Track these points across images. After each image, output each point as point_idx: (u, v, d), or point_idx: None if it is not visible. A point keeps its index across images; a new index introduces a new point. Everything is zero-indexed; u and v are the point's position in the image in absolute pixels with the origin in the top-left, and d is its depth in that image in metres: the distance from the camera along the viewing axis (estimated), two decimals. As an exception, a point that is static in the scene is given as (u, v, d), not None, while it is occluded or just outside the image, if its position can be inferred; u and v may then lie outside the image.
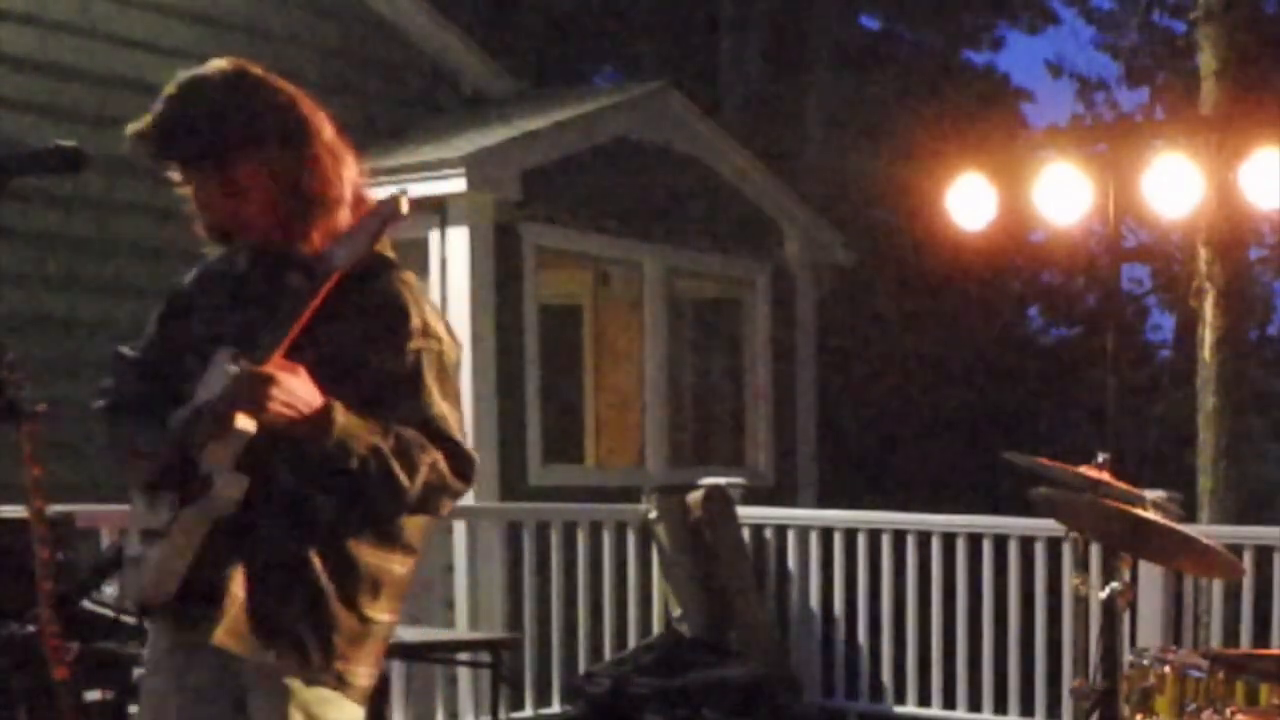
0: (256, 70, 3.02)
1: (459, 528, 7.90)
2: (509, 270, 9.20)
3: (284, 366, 2.85)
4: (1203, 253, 9.68)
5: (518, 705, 7.72)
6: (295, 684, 2.98)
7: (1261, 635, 7.22)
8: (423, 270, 8.98)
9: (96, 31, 8.89)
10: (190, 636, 3.02)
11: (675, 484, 8.84)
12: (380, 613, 3.09)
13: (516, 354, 9.23)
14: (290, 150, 2.97)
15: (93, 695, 5.00)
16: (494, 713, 6.50)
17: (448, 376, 3.06)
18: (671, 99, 10.40)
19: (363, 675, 3.07)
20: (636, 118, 10.17)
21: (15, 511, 4.96)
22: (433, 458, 2.98)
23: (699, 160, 10.53)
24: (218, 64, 3.01)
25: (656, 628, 8.42)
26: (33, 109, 8.51)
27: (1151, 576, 7.17)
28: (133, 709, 5.14)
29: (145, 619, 3.19)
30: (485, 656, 6.66)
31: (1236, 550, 6.40)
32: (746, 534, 8.57)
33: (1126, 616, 5.65)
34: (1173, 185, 7.16)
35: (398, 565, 3.12)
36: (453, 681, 7.61)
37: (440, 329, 3.07)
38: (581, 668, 8.02)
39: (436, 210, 8.98)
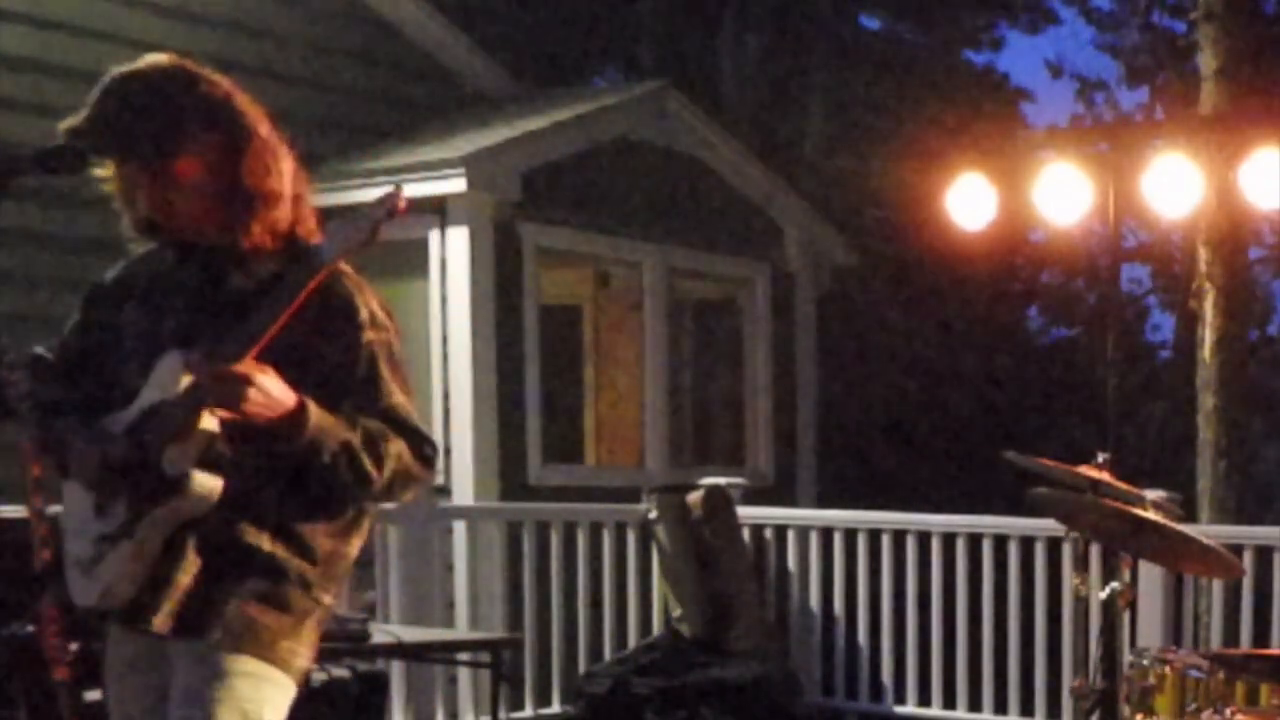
0: (191, 65, 3.01)
1: (459, 528, 7.90)
2: (509, 270, 9.20)
3: (255, 365, 2.84)
4: (1203, 253, 9.68)
5: (518, 705, 7.72)
6: (219, 655, 2.96)
7: (1261, 635, 7.22)
8: (423, 270, 8.99)
9: (96, 31, 8.89)
10: (139, 635, 3.03)
11: (675, 484, 8.83)
12: (329, 596, 3.11)
13: (516, 354, 9.23)
14: (227, 144, 2.96)
15: (93, 695, 5.00)
16: (494, 713, 6.49)
17: (398, 364, 3.08)
18: (671, 99, 10.39)
19: (303, 657, 3.07)
20: (636, 118, 10.17)
21: (15, 511, 4.96)
22: (398, 448, 3.00)
23: (699, 160, 10.53)
24: (153, 58, 3.00)
25: (656, 628, 8.42)
26: (33, 109, 8.51)
27: (1151, 576, 7.16)
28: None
29: (100, 623, 3.15)
30: (485, 656, 6.65)
31: (1236, 550, 6.40)
32: (746, 534, 8.57)
33: (1126, 616, 5.65)
34: (1173, 185, 7.16)
35: (351, 549, 3.14)
36: (453, 681, 7.61)
37: (384, 316, 3.07)
38: (581, 668, 8.02)
39: (436, 210, 8.98)
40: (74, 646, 4.54)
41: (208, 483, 2.91)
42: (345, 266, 3.06)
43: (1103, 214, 7.44)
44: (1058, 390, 17.93)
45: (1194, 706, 4.35)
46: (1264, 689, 4.32)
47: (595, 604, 8.11)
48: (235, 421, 2.87)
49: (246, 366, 2.82)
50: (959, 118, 16.07)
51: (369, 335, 3.01)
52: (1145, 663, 4.53)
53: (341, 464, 2.92)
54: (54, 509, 4.69)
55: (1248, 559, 7.04)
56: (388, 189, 2.91)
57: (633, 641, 8.25)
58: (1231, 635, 7.39)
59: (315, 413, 2.90)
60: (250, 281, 3.00)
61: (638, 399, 10.33)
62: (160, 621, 2.95)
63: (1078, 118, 20.05)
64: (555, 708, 7.99)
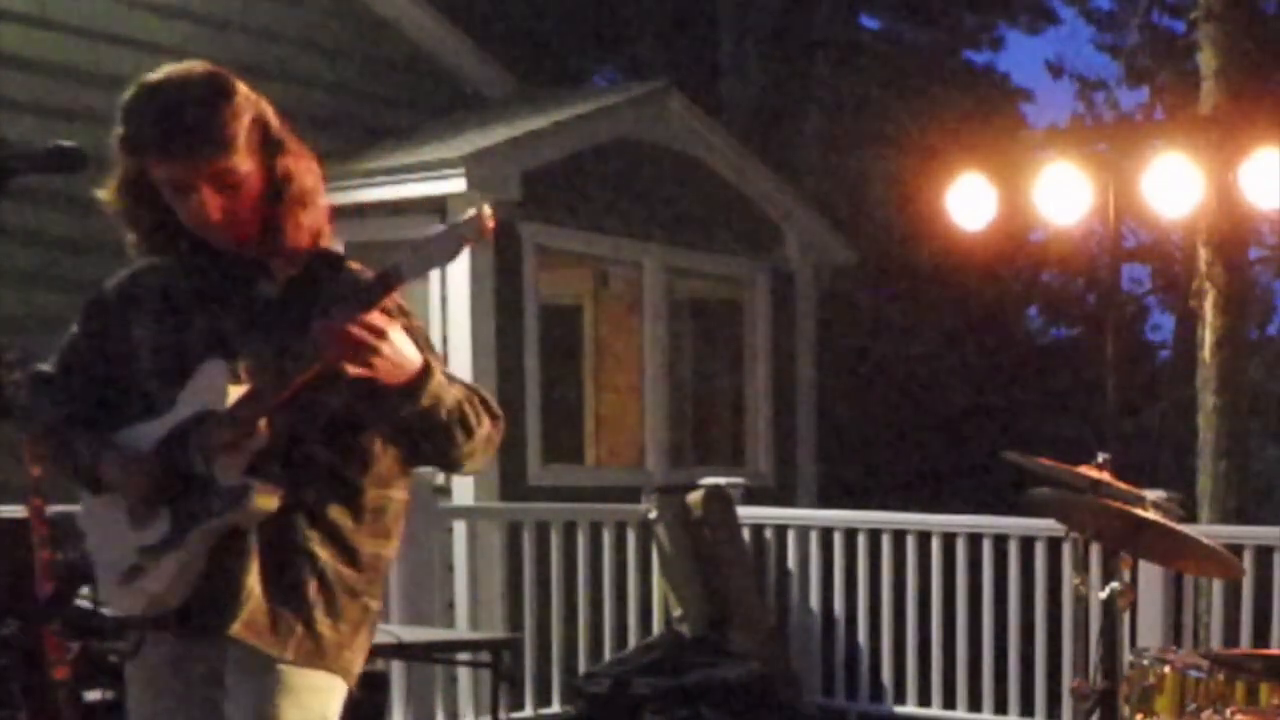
0: (225, 71, 3.03)
1: (459, 528, 7.90)
2: (509, 270, 9.20)
3: (387, 320, 2.81)
4: (1203, 253, 9.68)
5: (518, 705, 7.72)
6: (287, 670, 2.98)
7: (1261, 635, 7.22)
8: (422, 270, 8.98)
9: (96, 31, 8.90)
10: (197, 640, 3.01)
11: (675, 484, 8.84)
12: (375, 600, 3.13)
13: (516, 354, 9.23)
14: (270, 144, 2.98)
15: (93, 695, 5.00)
16: (494, 713, 6.49)
17: (432, 348, 3.06)
18: (671, 99, 10.39)
19: (358, 663, 3.11)
20: (636, 118, 10.17)
21: (15, 511, 4.96)
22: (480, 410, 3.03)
23: (699, 160, 10.53)
24: (189, 64, 3.00)
25: (656, 628, 8.42)
26: (33, 109, 8.51)
27: (1151, 576, 7.16)
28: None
29: (136, 631, 3.11)
30: (485, 656, 6.65)
31: (1236, 550, 6.39)
32: (746, 534, 8.57)
33: (1126, 616, 5.66)
34: (1173, 185, 7.17)
35: (389, 551, 3.15)
36: (453, 681, 7.61)
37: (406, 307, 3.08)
38: (581, 668, 8.02)
39: (436, 210, 8.97)
40: (74, 646, 4.55)
41: (268, 495, 2.91)
42: (354, 262, 3.07)
43: (1103, 214, 7.45)
44: (1058, 390, 17.92)
45: (1194, 706, 4.35)
46: (1264, 689, 4.31)
47: (595, 604, 8.11)
48: (366, 376, 2.82)
49: (381, 322, 2.78)
50: (959, 118, 16.07)
51: (400, 322, 2.97)
52: (1145, 663, 4.52)
53: (455, 422, 2.93)
54: (54, 509, 4.70)
55: (1248, 559, 7.04)
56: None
57: (633, 641, 8.25)
58: (1231, 635, 7.39)
59: (437, 373, 2.89)
60: (276, 288, 3.01)
61: (638, 399, 10.32)
62: (239, 629, 2.94)
63: (1078, 118, 20.05)
64: (555, 708, 7.99)
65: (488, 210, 2.79)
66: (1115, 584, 4.86)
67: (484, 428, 2.99)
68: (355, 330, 2.76)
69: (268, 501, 2.91)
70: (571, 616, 8.03)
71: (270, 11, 9.71)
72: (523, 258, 9.30)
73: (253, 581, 2.95)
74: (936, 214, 7.77)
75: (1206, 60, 9.83)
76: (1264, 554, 7.28)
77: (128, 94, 2.95)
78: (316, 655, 3.00)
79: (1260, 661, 4.41)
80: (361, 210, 8.78)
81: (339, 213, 3.01)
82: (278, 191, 2.97)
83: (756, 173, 10.93)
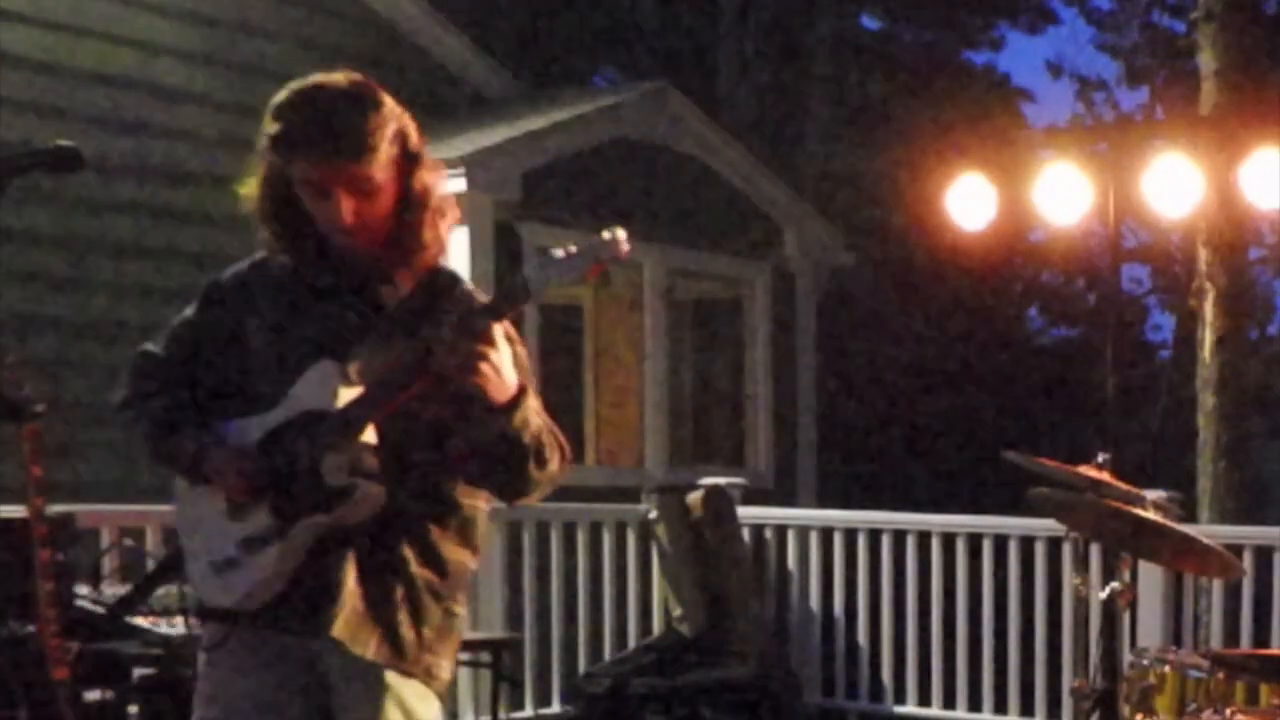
0: (374, 82, 3.07)
1: (459, 528, 7.89)
2: (509, 270, 9.20)
3: (494, 339, 2.86)
4: (1203, 253, 9.68)
5: (518, 705, 7.72)
6: (392, 677, 3.02)
7: (1261, 635, 7.22)
8: (423, 270, 8.99)
9: (96, 31, 8.89)
10: (292, 635, 3.03)
11: (675, 484, 8.84)
12: (460, 606, 3.16)
13: (516, 354, 9.22)
14: (409, 159, 3.03)
15: (93, 695, 5.00)
16: (494, 713, 6.50)
17: (531, 378, 3.12)
18: (671, 99, 10.39)
19: (445, 669, 3.14)
20: (636, 118, 10.17)
21: (15, 511, 4.96)
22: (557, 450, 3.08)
23: (699, 160, 10.52)
24: (343, 73, 3.05)
25: (656, 628, 8.42)
26: (33, 109, 8.51)
27: (1151, 576, 7.16)
28: (133, 709, 5.14)
29: (219, 623, 3.10)
30: (485, 656, 6.66)
31: (1236, 550, 6.38)
32: (746, 534, 8.57)
33: (1126, 616, 5.65)
34: (1173, 185, 7.17)
35: (470, 562, 3.20)
36: (453, 681, 7.60)
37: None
38: (581, 668, 8.03)
39: (436, 210, 8.97)
40: (74, 646, 4.54)
41: (374, 496, 2.93)
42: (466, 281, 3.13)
43: (1103, 214, 7.45)
44: (1058, 390, 17.94)
45: (1194, 706, 4.35)
46: (1264, 689, 4.31)
47: (595, 604, 8.11)
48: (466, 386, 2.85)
49: (488, 338, 2.84)
50: (959, 118, 16.09)
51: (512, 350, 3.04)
52: (1145, 663, 4.52)
53: (532, 452, 2.98)
54: (55, 509, 4.70)
55: (1248, 559, 7.03)
56: (612, 233, 2.88)
57: (633, 641, 8.25)
58: (1231, 635, 7.39)
59: (531, 398, 2.97)
60: (396, 297, 3.06)
61: (638, 399, 10.32)
62: (341, 630, 2.97)
63: (1078, 118, 20.09)
64: (555, 708, 7.99)
65: (622, 234, 2.87)
66: (1115, 584, 4.86)
67: (554, 464, 3.04)
68: (477, 342, 2.82)
69: (374, 502, 2.94)
70: (571, 616, 8.03)
71: (269, 11, 9.70)
72: (523, 258, 9.30)
73: (350, 581, 2.98)
74: (936, 214, 7.78)
75: (1206, 60, 9.84)
76: (1264, 554, 7.27)
77: (280, 95, 2.99)
78: (395, 656, 3.02)
79: (1260, 661, 4.41)
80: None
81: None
82: (411, 204, 3.02)
83: (756, 172, 10.93)
